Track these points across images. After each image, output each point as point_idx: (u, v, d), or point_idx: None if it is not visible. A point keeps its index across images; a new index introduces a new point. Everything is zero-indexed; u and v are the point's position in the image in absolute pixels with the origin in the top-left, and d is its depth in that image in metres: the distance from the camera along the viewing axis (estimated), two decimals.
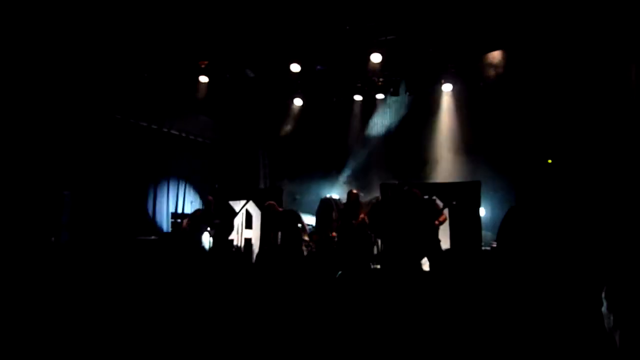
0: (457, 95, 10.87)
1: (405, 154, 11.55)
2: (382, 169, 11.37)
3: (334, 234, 8.33)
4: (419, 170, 11.06)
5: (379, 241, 8.63)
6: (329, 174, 12.21)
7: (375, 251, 8.60)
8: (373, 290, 5.94)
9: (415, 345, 3.81)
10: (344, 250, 7.45)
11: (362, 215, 7.46)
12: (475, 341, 3.80)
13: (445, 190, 8.19)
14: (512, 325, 4.01)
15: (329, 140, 12.24)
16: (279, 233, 7.80)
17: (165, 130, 11.37)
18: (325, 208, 9.61)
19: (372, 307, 4.93)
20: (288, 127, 12.35)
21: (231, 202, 9.73)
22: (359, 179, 11.78)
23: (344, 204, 8.15)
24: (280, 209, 8.09)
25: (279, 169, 13.01)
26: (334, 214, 9.09)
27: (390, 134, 11.88)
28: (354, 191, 7.93)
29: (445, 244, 7.45)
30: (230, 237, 9.46)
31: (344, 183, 11.79)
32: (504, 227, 5.71)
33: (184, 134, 11.90)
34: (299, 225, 7.81)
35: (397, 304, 5.09)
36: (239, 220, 9.57)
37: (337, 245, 8.06)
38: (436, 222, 6.62)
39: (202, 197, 11.31)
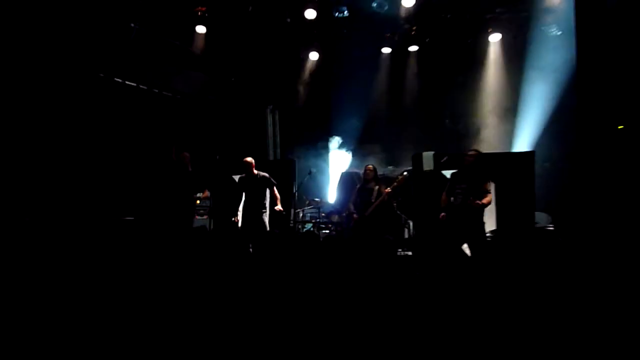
0: (506, 46, 10.75)
1: (442, 119, 11.55)
2: (415, 138, 11.31)
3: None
4: (459, 138, 10.98)
5: (411, 223, 8.75)
6: (351, 143, 12.18)
7: (406, 234, 8.76)
8: (404, 282, 5.79)
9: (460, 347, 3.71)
10: (365, 234, 7.29)
11: (386, 190, 7.29)
12: (529, 341, 3.70)
13: (491, 162, 7.90)
14: (574, 323, 3.89)
15: (351, 103, 12.19)
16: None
17: (156, 90, 11.31)
18: (347, 184, 9.61)
19: (403, 304, 4.70)
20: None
21: (234, 177, 9.42)
22: (388, 149, 11.74)
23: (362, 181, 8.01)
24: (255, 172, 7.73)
25: (291, 137, 13.02)
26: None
27: (425, 95, 11.78)
28: (370, 167, 7.74)
29: (490, 225, 7.35)
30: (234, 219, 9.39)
31: (369, 154, 11.74)
32: (565, 207, 5.54)
33: (178, 96, 11.84)
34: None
35: (434, 298, 4.86)
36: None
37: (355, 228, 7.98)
38: (477, 203, 6.40)
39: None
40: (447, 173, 7.94)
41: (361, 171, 10.40)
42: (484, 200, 6.44)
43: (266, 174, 7.75)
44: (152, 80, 11.13)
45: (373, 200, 7.39)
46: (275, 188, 7.76)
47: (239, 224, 7.63)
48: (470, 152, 6.80)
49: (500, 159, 8.24)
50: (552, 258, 5.61)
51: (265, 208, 7.66)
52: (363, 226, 7.36)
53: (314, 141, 12.41)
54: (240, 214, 7.82)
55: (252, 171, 7.69)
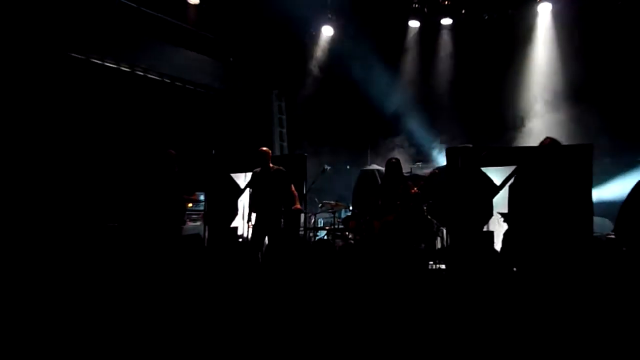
0: (557, 18, 10.67)
1: (481, 105, 11.45)
2: (449, 128, 11.32)
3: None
4: (501, 128, 10.94)
5: (444, 230, 8.77)
6: (371, 135, 12.22)
7: (439, 244, 8.71)
8: (436, 303, 5.91)
9: None
10: (390, 243, 7.34)
11: (413, 189, 7.30)
12: None
13: (540, 157, 7.91)
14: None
15: (372, 88, 12.13)
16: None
17: (140, 73, 11.33)
18: (367, 183, 9.62)
19: (435, 329, 4.85)
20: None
21: (233, 175, 9.73)
22: (416, 142, 11.74)
23: (384, 179, 8.04)
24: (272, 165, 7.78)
25: (301, 129, 13.03)
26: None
27: (460, 77, 11.74)
28: (393, 160, 7.75)
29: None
30: (233, 224, 9.46)
31: (394, 148, 11.73)
32: (628, 210, 5.48)
33: (167, 79, 11.88)
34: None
35: (472, 323, 5.03)
36: (244, 201, 9.46)
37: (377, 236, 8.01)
38: None
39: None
40: (489, 170, 8.12)
41: (384, 169, 10.56)
42: None
43: (282, 168, 7.68)
44: (136, 60, 11.13)
45: (398, 202, 7.32)
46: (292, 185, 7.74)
47: (251, 227, 7.62)
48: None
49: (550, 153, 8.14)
50: (613, 272, 5.70)
51: (281, 209, 7.59)
52: (387, 234, 7.35)
53: (328, 133, 12.41)
54: (246, 215, 7.85)
55: (269, 164, 7.63)
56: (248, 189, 8.11)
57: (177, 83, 12.06)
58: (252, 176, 7.70)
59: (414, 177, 9.07)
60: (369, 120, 12.30)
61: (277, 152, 12.80)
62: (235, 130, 12.21)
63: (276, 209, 7.46)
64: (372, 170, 10.03)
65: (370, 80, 11.98)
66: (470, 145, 8.79)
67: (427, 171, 9.92)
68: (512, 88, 11.09)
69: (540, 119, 10.64)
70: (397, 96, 12.15)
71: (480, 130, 11.16)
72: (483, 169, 8.17)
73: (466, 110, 11.58)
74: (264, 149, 7.62)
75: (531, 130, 10.53)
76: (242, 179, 9.69)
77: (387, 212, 7.44)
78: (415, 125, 11.99)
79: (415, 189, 7.32)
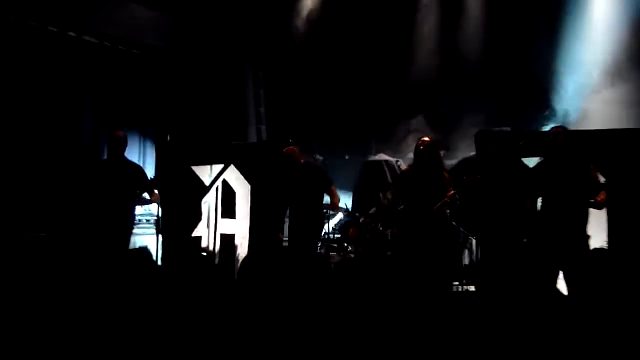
0: None
1: (517, 82, 11.44)
2: (480, 110, 11.27)
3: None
4: (542, 110, 10.91)
5: (474, 241, 8.70)
6: (377, 117, 12.14)
7: (466, 259, 8.73)
8: (463, 336, 5.66)
9: None
10: (408, 255, 7.24)
11: (450, 192, 7.08)
12: None
13: (592, 144, 7.82)
14: None
15: (379, 58, 12.09)
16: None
17: (73, 34, 11.27)
18: (373, 179, 9.64)
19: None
20: None
21: (195, 168, 9.69)
22: (439, 126, 11.69)
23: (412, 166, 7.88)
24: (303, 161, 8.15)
25: (284, 109, 13.02)
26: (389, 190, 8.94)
27: (492, 50, 11.72)
28: (426, 139, 7.52)
29: (596, 240, 7.16)
30: (196, 233, 9.48)
31: (410, 134, 11.70)
32: None
33: (107, 43, 11.80)
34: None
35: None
36: (210, 202, 9.55)
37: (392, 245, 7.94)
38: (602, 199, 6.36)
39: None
40: (530, 162, 7.90)
41: (394, 160, 10.47)
42: (602, 198, 6.37)
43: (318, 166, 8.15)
44: (66, 19, 11.08)
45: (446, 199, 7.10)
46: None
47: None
48: (556, 129, 6.78)
49: (605, 140, 8.06)
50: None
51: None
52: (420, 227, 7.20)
53: (320, 114, 12.42)
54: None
55: (298, 162, 8.02)
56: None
57: (120, 47, 12.04)
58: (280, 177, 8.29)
59: None
60: (374, 98, 12.24)
61: (254, 138, 12.84)
62: (197, 110, 12.24)
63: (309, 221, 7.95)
64: (379, 162, 9.98)
65: (376, 47, 12.02)
66: (508, 129, 8.78)
67: (451, 162, 9.89)
68: (558, 63, 11.17)
69: (596, 96, 10.74)
70: (414, 71, 12.18)
71: (519, 112, 11.17)
72: (524, 160, 8.04)
73: (502, 88, 11.60)
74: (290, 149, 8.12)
75: (586, 112, 10.61)
76: (207, 173, 9.68)
77: (421, 205, 7.21)
78: (437, 105, 12.02)
79: (453, 192, 7.07)
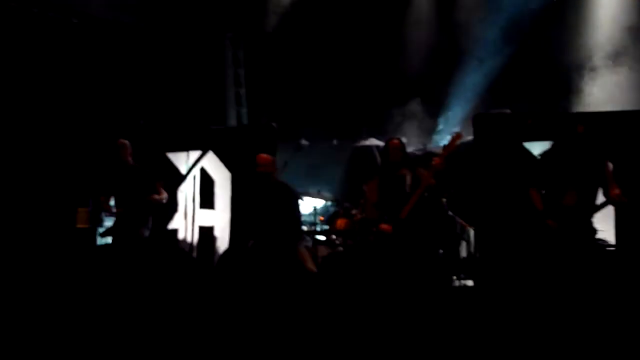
0: None
1: (522, 60, 11.28)
2: (478, 88, 11.19)
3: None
4: (550, 91, 10.77)
5: (472, 231, 8.67)
6: (368, 98, 11.96)
7: (464, 252, 8.65)
8: (462, 333, 5.91)
9: None
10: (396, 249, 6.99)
11: (425, 173, 6.90)
12: None
13: (604, 126, 7.69)
14: None
15: (366, 28, 11.95)
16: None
17: (53, 15, 11.10)
18: (363, 164, 9.61)
19: None
20: None
21: (171, 155, 9.60)
22: (432, 107, 11.59)
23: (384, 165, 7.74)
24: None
25: (267, 88, 12.88)
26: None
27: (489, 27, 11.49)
28: (396, 141, 7.36)
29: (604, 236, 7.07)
30: (172, 225, 9.39)
31: (402, 118, 11.63)
32: None
33: (74, 20, 11.53)
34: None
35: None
36: (187, 192, 9.48)
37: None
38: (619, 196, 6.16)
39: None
40: (533, 148, 7.87)
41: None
42: (613, 192, 6.18)
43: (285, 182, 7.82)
44: None
45: (408, 191, 6.86)
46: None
47: None
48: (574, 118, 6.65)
49: (610, 122, 7.93)
50: None
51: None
52: (393, 238, 6.95)
53: (305, 95, 12.31)
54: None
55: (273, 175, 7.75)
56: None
57: (85, 22, 11.81)
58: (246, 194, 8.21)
59: (429, 156, 8.83)
60: (365, 80, 12.14)
61: (233, 122, 12.85)
62: (172, 92, 12.13)
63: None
64: (369, 148, 9.82)
65: (368, 21, 11.90)
66: (509, 111, 8.62)
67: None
68: (570, 35, 11.03)
69: (610, 75, 10.61)
70: (403, 42, 12.14)
71: (522, 91, 11.00)
72: (526, 144, 7.95)
73: (504, 65, 11.47)
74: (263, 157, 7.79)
75: (597, 89, 10.52)
76: (184, 160, 9.65)
77: (393, 208, 6.98)
78: (430, 83, 11.91)
79: (428, 172, 6.86)
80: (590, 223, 6.36)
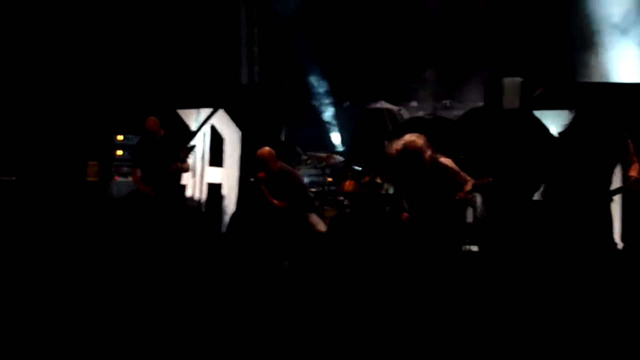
0: None
1: (535, 19, 11.03)
2: (487, 54, 10.96)
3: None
4: (562, 60, 10.58)
5: (478, 198, 8.64)
6: (382, 67, 11.85)
7: (469, 217, 8.62)
8: (467, 299, 5.98)
9: None
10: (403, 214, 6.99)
11: (468, 184, 6.74)
12: None
13: (625, 99, 7.63)
14: None
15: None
16: None
17: None
18: (373, 126, 9.61)
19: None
20: None
21: (181, 112, 9.68)
22: (442, 71, 11.38)
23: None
24: (278, 165, 7.91)
25: (280, 48, 12.78)
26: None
27: None
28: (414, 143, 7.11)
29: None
30: (182, 182, 9.19)
31: (411, 85, 11.42)
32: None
33: None
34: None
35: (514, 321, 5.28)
36: (196, 149, 9.32)
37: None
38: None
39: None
40: (544, 115, 7.93)
41: (397, 108, 10.31)
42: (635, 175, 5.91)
43: (293, 171, 7.99)
44: None
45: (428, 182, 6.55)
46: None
47: None
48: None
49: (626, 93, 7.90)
50: None
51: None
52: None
53: (317, 57, 12.23)
54: None
55: (274, 167, 7.80)
56: None
57: None
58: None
59: (439, 122, 8.80)
60: (380, 44, 11.91)
61: (245, 81, 12.73)
62: (183, 49, 12.01)
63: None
64: (380, 110, 9.86)
65: None
66: (520, 79, 8.52)
67: (457, 113, 9.73)
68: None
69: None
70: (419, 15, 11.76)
71: (532, 59, 10.73)
72: (537, 112, 8.03)
73: (513, 31, 11.13)
74: (265, 151, 7.88)
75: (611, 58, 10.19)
76: (194, 117, 9.74)
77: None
78: (440, 46, 11.59)
79: (468, 185, 6.68)
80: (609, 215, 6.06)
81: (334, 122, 11.96)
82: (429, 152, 6.03)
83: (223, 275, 7.00)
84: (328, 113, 11.72)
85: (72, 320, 5.24)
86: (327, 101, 11.86)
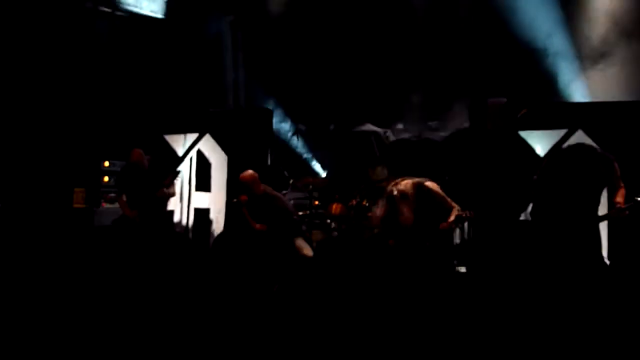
0: None
1: (518, 43, 10.88)
2: (472, 75, 10.95)
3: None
4: (550, 79, 10.55)
5: (467, 216, 8.48)
6: (368, 90, 11.89)
7: (457, 238, 8.62)
8: (454, 320, 5.91)
9: None
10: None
11: (452, 217, 6.76)
12: None
13: (605, 117, 7.75)
14: None
15: (361, 11, 11.81)
16: None
17: None
18: (359, 150, 9.67)
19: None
20: None
21: (168, 137, 9.71)
22: (428, 92, 11.44)
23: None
24: (262, 188, 7.95)
25: (266, 72, 12.76)
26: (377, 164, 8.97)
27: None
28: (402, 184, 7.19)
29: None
30: (169, 207, 9.37)
31: (399, 104, 11.52)
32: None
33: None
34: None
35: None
36: (183, 174, 9.52)
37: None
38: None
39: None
40: (530, 136, 7.96)
41: (383, 131, 10.37)
42: (619, 200, 5.92)
43: (277, 195, 8.00)
44: None
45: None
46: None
47: None
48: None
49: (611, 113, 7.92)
50: None
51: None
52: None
53: (302, 78, 12.26)
54: None
55: (257, 190, 7.82)
56: None
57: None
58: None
59: (425, 143, 8.88)
60: (366, 68, 11.93)
61: (230, 105, 12.84)
62: (170, 74, 12.01)
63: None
64: (367, 133, 9.85)
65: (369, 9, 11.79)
66: (504, 100, 8.60)
67: (443, 134, 9.78)
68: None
69: (624, 53, 10.19)
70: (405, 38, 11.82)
71: (519, 78, 10.66)
72: (522, 133, 8.06)
73: (499, 49, 11.09)
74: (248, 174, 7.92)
75: (605, 75, 10.18)
76: (181, 142, 9.75)
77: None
78: (426, 68, 11.60)
79: (452, 216, 6.61)
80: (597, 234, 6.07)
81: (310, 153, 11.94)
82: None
83: (209, 300, 6.95)
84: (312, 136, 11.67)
85: (58, 347, 5.22)
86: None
